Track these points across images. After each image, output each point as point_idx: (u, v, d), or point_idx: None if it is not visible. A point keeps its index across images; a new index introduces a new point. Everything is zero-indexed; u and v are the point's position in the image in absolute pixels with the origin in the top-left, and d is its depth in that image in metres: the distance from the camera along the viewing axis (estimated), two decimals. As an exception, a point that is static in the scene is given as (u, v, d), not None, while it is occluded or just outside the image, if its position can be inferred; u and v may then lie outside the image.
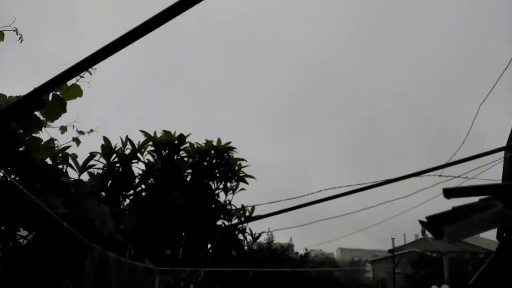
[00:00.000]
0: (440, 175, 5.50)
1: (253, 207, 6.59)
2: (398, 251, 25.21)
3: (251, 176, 6.57)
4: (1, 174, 3.11)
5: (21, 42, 2.69)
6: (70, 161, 4.97)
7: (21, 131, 3.23)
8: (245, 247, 7.10)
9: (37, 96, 2.60)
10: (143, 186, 5.90)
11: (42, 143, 3.55)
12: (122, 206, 5.51)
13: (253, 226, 7.18)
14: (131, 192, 5.88)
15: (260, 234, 7.05)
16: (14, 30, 2.67)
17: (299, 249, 18.22)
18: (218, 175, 6.44)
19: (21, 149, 3.32)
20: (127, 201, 5.80)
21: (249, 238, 6.77)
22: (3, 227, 3.48)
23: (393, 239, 24.92)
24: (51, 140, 3.82)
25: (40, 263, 3.43)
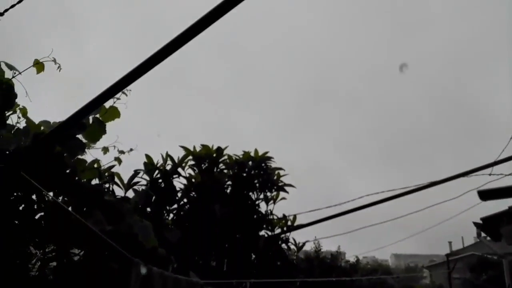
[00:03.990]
0: (490, 174, 5.17)
1: (294, 216, 6.54)
2: (456, 255, 23.91)
3: (290, 185, 6.54)
4: (51, 197, 3.32)
5: (59, 71, 2.89)
6: (116, 180, 5.23)
7: (66, 154, 3.44)
8: (290, 257, 7.03)
9: (77, 120, 2.76)
10: (185, 200, 6.04)
11: (86, 164, 3.76)
12: (166, 221, 5.66)
13: (297, 235, 7.10)
14: (175, 206, 6.06)
15: (304, 244, 6.97)
16: (52, 60, 2.87)
17: (350, 256, 17.76)
18: (257, 185, 6.46)
19: (67, 171, 3.54)
20: (171, 215, 5.97)
21: (293, 247, 6.71)
22: (55, 246, 3.71)
23: (450, 242, 23.67)
24: (95, 161, 4.03)
25: (91, 278, 3.61)
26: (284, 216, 6.56)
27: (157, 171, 5.92)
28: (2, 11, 2.29)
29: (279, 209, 6.68)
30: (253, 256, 6.15)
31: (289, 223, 6.55)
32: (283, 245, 6.49)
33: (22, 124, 3.48)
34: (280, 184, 6.51)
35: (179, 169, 6.16)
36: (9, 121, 3.42)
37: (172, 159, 6.04)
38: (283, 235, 6.49)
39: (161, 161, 6.02)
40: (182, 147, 6.40)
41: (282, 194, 6.56)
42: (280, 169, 6.58)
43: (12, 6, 2.23)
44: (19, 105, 3.44)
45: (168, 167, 6.02)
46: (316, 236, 12.17)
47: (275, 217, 6.53)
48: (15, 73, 2.94)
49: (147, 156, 5.95)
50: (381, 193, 5.82)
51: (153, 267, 3.19)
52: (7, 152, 3.00)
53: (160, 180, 5.86)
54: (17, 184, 3.06)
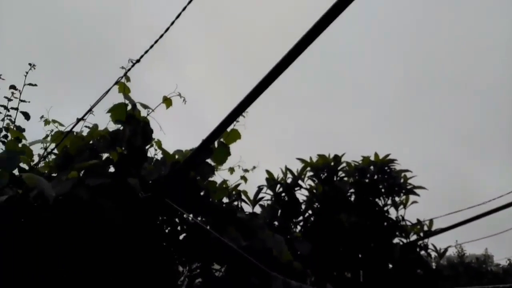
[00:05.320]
0: None
1: (431, 220, 5.98)
2: None
3: (420, 187, 6.02)
4: (191, 218, 3.62)
5: (185, 103, 3.17)
6: (243, 197, 5.50)
7: (199, 178, 3.74)
8: (433, 265, 6.44)
9: (206, 146, 2.97)
10: (310, 212, 6.02)
11: (217, 185, 4.02)
12: (295, 233, 5.70)
13: (436, 241, 6.46)
14: (300, 218, 6.08)
15: (446, 249, 6.31)
16: (178, 95, 3.16)
17: (499, 260, 15.54)
18: (383, 190, 6.11)
19: (201, 193, 3.84)
20: (298, 227, 6.00)
21: (433, 254, 6.13)
22: (199, 263, 4.02)
23: None
24: (224, 182, 4.29)
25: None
26: (419, 221, 6.05)
27: (279, 185, 6.06)
28: (138, 58, 2.62)
29: (412, 214, 6.20)
30: (390, 265, 5.78)
31: (425, 228, 6.01)
32: (422, 252, 5.97)
33: (159, 155, 3.90)
34: (408, 187, 6.05)
35: (300, 182, 6.20)
36: (149, 155, 3.87)
37: (291, 172, 6.11)
38: (420, 242, 5.98)
39: (281, 175, 6.14)
40: (299, 159, 6.43)
41: (412, 197, 6.08)
42: (406, 171, 6.12)
43: (146, 52, 2.54)
44: (154, 139, 3.86)
45: (289, 180, 6.11)
46: (457, 240, 10.98)
47: (408, 223, 6.07)
48: (148, 111, 3.32)
49: (268, 172, 6.13)
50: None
51: (291, 281, 3.21)
52: (150, 182, 3.37)
53: (283, 194, 5.97)
54: (161, 210, 3.41)
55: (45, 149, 3.18)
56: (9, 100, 3.45)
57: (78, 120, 2.94)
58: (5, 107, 3.42)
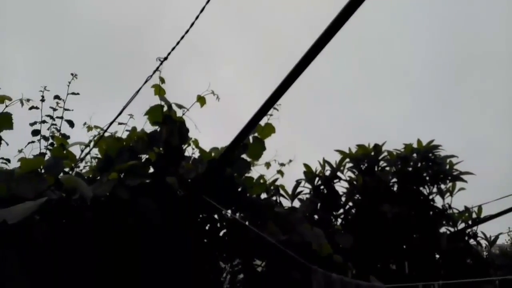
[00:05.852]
0: None
1: (479, 207, 5.70)
2: None
3: (468, 173, 5.75)
4: (229, 214, 3.67)
5: (218, 101, 3.21)
6: (281, 192, 5.49)
7: (235, 174, 3.77)
8: (483, 254, 6.14)
9: (239, 141, 2.99)
10: (350, 204, 5.92)
11: (254, 180, 4.04)
12: (336, 226, 5.63)
13: (487, 228, 6.14)
14: (341, 211, 5.99)
15: (497, 237, 6.00)
16: (211, 93, 3.21)
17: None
18: (427, 178, 5.89)
19: (239, 189, 3.87)
20: (339, 220, 5.92)
21: (484, 242, 5.84)
22: (240, 259, 4.07)
23: None
24: (261, 177, 4.30)
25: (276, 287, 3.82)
26: (467, 208, 5.78)
27: (317, 179, 5.99)
28: (166, 56, 2.67)
29: (460, 201, 5.93)
30: (437, 255, 5.58)
31: (473, 215, 5.74)
32: (471, 241, 5.71)
33: (196, 154, 3.97)
34: (454, 173, 5.79)
35: (339, 173, 6.10)
36: (186, 153, 3.95)
37: (330, 164, 6.03)
38: (469, 230, 5.72)
39: (319, 168, 6.07)
40: (338, 150, 6.33)
41: (459, 184, 5.81)
42: (452, 156, 5.85)
43: (173, 48, 2.58)
44: (191, 138, 3.93)
45: (327, 173, 6.03)
46: (510, 227, 10.40)
47: (455, 211, 5.81)
48: (184, 110, 3.39)
49: (306, 165, 6.08)
50: None
51: (332, 274, 3.18)
52: (189, 180, 3.44)
53: (322, 187, 5.90)
54: (200, 207, 3.47)
55: (82, 151, 3.33)
56: (54, 110, 3.63)
57: (111, 123, 3.05)
58: (51, 117, 3.61)
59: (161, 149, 3.26)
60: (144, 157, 3.39)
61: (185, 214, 3.20)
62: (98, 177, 3.20)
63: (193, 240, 3.43)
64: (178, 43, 2.51)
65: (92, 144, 3.29)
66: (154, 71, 2.71)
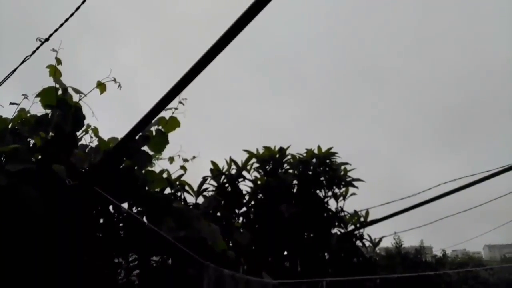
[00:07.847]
0: None
1: (367, 211, 6.28)
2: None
3: (359, 179, 6.29)
4: (123, 208, 3.53)
5: (120, 89, 3.08)
6: (186, 188, 5.44)
7: (136, 167, 3.65)
8: (367, 254, 6.76)
9: (137, 132, 2.90)
10: (253, 203, 6.10)
11: (155, 175, 3.94)
12: (236, 224, 5.76)
13: (373, 231, 6.78)
14: (244, 209, 6.14)
15: (380, 239, 6.65)
16: (112, 80, 3.07)
17: (437, 251, 16.60)
18: (324, 182, 6.32)
19: (138, 182, 3.74)
20: (241, 218, 6.06)
21: (368, 244, 6.43)
22: (136, 255, 3.94)
23: (550, 229, 21.14)
24: (163, 171, 4.22)
25: (170, 283, 3.78)
26: (356, 212, 6.33)
27: (223, 176, 6.06)
28: (47, 37, 2.49)
29: (351, 205, 6.46)
30: (327, 254, 6.01)
31: (361, 219, 6.30)
32: (358, 242, 6.26)
33: (95, 143, 3.76)
34: (348, 179, 6.30)
35: (244, 173, 6.25)
36: (83, 141, 3.72)
37: (236, 163, 6.14)
38: (356, 232, 6.26)
39: (226, 167, 6.15)
40: (246, 150, 6.48)
41: (352, 190, 6.34)
42: (346, 164, 6.37)
43: (55, 30, 2.42)
44: (90, 126, 3.71)
45: (233, 172, 6.13)
46: (395, 231, 11.61)
47: (346, 214, 6.32)
48: (81, 96, 3.19)
49: (213, 163, 6.12)
50: (459, 180, 5.35)
51: (223, 269, 3.25)
52: (83, 170, 3.25)
53: (227, 185, 5.99)
54: (94, 199, 3.29)
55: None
56: None
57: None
58: None
59: (51, 134, 3.03)
60: (32, 142, 3.13)
61: (74, 205, 3.01)
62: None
63: (84, 233, 3.25)
64: (61, 25, 2.36)
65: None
66: (33, 52, 2.50)
